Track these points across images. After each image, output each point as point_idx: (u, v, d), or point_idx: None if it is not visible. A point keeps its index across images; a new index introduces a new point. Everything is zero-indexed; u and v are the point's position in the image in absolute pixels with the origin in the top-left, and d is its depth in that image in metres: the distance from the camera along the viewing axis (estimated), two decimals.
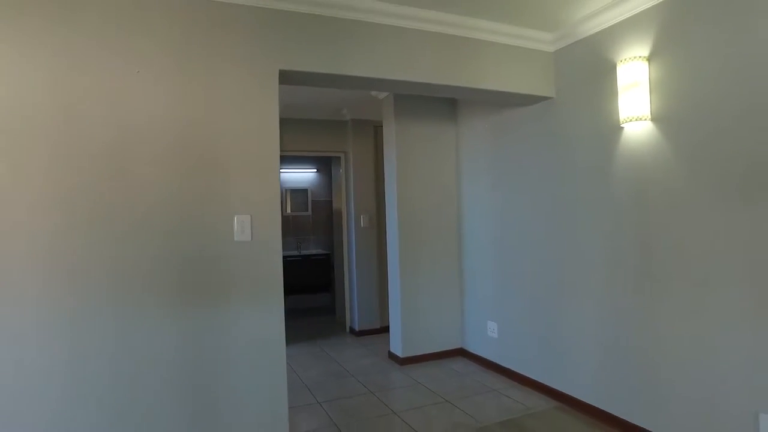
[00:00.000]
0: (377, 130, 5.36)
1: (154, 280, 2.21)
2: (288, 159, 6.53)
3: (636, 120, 2.69)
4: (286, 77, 2.59)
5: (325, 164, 6.99)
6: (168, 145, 2.25)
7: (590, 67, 3.04)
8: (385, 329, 5.23)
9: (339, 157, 5.50)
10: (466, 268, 4.38)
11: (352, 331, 5.40)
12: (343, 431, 2.98)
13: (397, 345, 4.31)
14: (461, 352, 4.43)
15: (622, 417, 2.86)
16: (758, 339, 2.17)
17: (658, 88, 2.63)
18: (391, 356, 4.39)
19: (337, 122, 5.40)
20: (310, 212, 7.00)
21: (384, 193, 5.16)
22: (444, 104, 4.42)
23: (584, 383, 3.13)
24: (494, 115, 3.92)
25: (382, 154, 5.28)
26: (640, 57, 2.69)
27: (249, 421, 2.38)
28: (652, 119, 2.67)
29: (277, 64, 2.48)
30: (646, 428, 2.70)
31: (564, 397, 3.28)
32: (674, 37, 2.53)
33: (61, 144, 2.08)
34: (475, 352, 4.27)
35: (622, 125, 2.83)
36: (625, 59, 2.73)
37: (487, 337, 4.10)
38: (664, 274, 2.60)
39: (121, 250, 2.16)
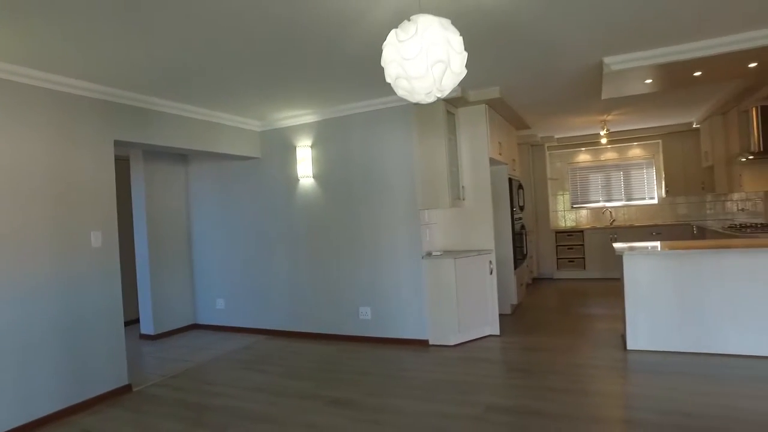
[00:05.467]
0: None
1: (46, 268, 3.48)
2: None
3: (306, 177, 5.37)
4: (118, 143, 4.12)
5: None
6: (50, 185, 3.55)
7: (282, 145, 5.57)
8: (127, 323, 6.47)
9: None
10: (196, 265, 6.26)
11: None
12: (145, 371, 4.54)
13: (149, 327, 5.81)
14: (195, 326, 6.26)
15: (302, 330, 5.46)
16: (352, 270, 5.10)
17: (315, 161, 5.37)
18: (143, 336, 5.84)
19: None
20: None
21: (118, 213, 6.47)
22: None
23: (281, 318, 5.60)
24: (222, 163, 6.01)
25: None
26: (307, 145, 5.39)
27: (101, 352, 3.84)
28: (313, 177, 5.39)
29: (112, 135, 4.03)
30: (313, 332, 5.37)
31: (271, 331, 5.67)
32: (321, 138, 5.32)
33: None
34: (206, 323, 6.20)
35: (299, 179, 5.46)
36: (300, 145, 5.39)
37: (216, 310, 6.11)
38: (317, 245, 5.33)
39: (28, 250, 3.37)
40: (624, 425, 2.92)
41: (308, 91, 4.50)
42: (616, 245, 4.44)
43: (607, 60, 3.99)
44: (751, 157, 5.54)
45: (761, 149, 5.28)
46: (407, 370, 4.14)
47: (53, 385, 3.51)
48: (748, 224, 6.20)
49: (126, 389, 4.00)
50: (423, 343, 4.83)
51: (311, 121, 5.38)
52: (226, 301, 6.05)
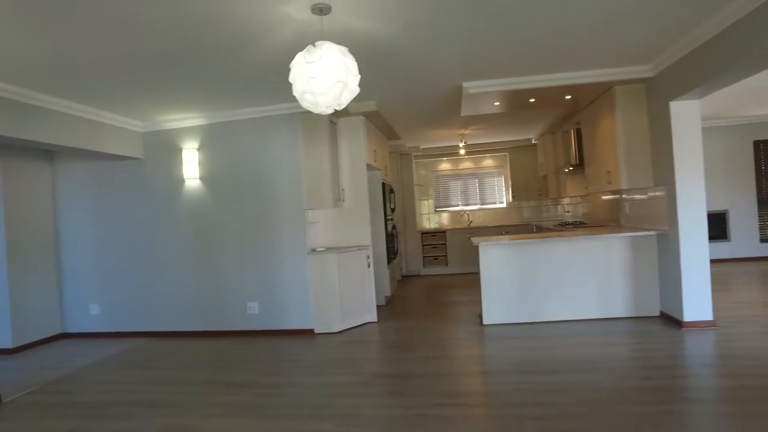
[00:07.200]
0: None
1: None
2: None
3: (192, 179, 5.48)
4: None
5: None
6: None
7: (167, 146, 5.60)
8: None
9: None
10: (64, 269, 5.92)
11: None
12: (14, 382, 4.30)
13: (6, 340, 5.35)
14: (64, 335, 5.91)
15: (189, 330, 5.52)
16: (239, 267, 5.35)
17: (202, 163, 5.51)
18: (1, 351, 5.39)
19: None
20: None
21: None
22: (41, 150, 5.82)
23: (166, 319, 5.60)
24: (98, 162, 5.79)
25: None
26: (194, 147, 5.50)
27: None
28: (200, 178, 5.52)
29: None
30: (201, 330, 5.48)
31: (156, 333, 5.63)
32: (208, 141, 5.49)
33: None
34: (78, 331, 5.89)
35: (185, 180, 5.54)
36: (186, 147, 5.49)
37: (90, 316, 5.85)
38: (203, 245, 5.47)
39: None
40: (481, 375, 3.67)
41: (198, 96, 4.68)
42: (474, 239, 5.31)
43: (465, 84, 4.83)
44: (571, 168, 6.90)
45: (577, 162, 6.64)
46: (297, 354, 4.53)
47: None
48: (571, 222, 7.66)
49: None
50: (309, 332, 5.24)
51: (198, 124, 5.51)
52: (102, 306, 5.83)
